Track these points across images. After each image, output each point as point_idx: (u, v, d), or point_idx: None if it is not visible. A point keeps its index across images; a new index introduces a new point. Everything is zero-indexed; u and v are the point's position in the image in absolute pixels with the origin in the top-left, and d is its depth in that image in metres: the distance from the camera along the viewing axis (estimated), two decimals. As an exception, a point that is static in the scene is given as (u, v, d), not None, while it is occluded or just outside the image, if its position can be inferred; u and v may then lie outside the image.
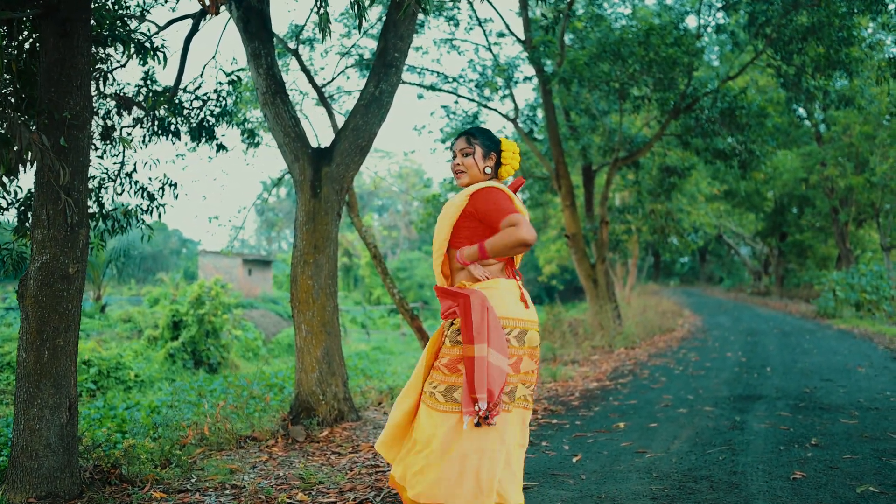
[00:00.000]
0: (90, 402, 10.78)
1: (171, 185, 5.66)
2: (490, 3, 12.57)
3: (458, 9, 11.89)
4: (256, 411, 5.99)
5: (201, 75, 6.33)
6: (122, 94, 5.42)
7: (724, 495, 3.56)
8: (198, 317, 16.12)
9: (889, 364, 8.51)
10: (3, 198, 4.65)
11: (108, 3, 4.99)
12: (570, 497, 3.63)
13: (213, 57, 6.82)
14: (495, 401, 2.47)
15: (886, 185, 17.48)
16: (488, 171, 2.80)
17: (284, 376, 10.05)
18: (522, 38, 11.99)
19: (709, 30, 11.96)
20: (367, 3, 4.74)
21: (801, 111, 19.03)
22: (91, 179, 5.17)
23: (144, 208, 5.55)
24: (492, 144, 2.81)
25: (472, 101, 13.13)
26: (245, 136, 8.07)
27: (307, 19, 9.27)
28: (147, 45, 5.17)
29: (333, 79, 10.34)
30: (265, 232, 54.48)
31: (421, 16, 10.24)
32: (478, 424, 2.49)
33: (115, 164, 5.48)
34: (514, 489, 2.64)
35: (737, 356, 9.87)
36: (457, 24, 12.17)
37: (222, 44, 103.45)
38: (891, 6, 9.04)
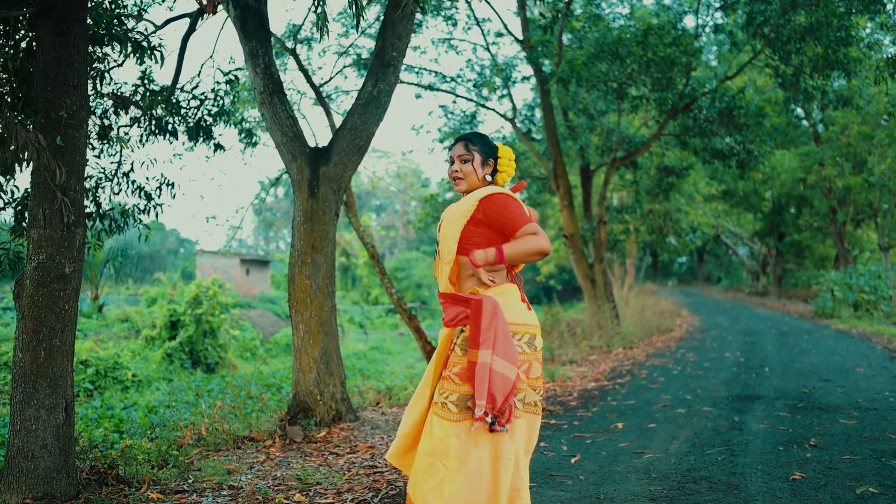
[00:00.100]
0: (88, 401, 10.76)
1: (168, 185, 5.64)
2: (488, 3, 12.58)
3: (457, 8, 11.88)
4: (254, 411, 5.97)
5: (199, 74, 6.32)
6: (119, 94, 5.40)
7: (723, 496, 3.55)
8: (195, 316, 16.10)
9: (887, 364, 8.52)
10: (0, 197, 4.63)
11: (105, 2, 4.97)
12: (568, 498, 3.62)
13: (211, 56, 6.80)
14: (501, 407, 2.43)
15: (884, 185, 17.48)
16: (488, 178, 2.78)
17: (282, 376, 10.04)
18: (520, 37, 11.98)
19: (707, 29, 11.96)
20: (364, 3, 4.73)
21: (800, 111, 19.06)
22: (88, 179, 5.15)
23: (142, 208, 5.54)
24: (490, 151, 2.78)
25: (471, 100, 13.13)
26: (243, 135, 8.05)
27: (305, 18, 9.27)
28: (144, 44, 5.15)
29: (331, 78, 10.33)
30: (263, 232, 54.44)
31: (419, 15, 10.23)
32: (492, 430, 2.47)
33: (112, 163, 5.47)
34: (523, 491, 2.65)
35: (735, 356, 9.87)
36: (455, 24, 12.15)
37: (220, 43, 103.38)
38: (889, 6, 9.05)
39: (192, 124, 6.05)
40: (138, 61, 5.21)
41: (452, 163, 2.78)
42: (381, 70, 5.84)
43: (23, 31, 4.35)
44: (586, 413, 6.04)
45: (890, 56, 8.51)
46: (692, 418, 5.63)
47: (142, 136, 5.73)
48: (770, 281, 29.02)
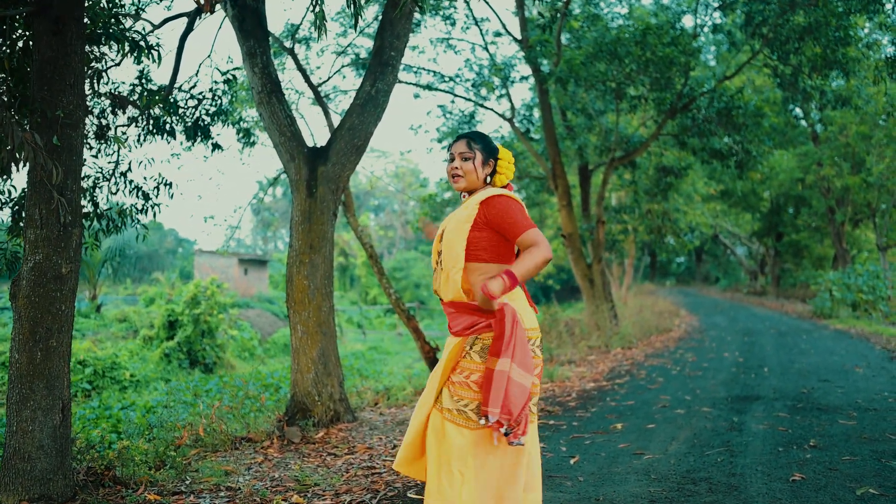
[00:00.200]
0: (86, 402, 10.74)
1: (166, 185, 5.62)
2: (486, 3, 12.56)
3: (455, 8, 11.86)
4: (252, 412, 5.96)
5: (196, 74, 6.29)
6: (116, 93, 5.38)
7: (723, 497, 3.54)
8: (193, 316, 16.08)
9: (886, 364, 8.51)
10: (-3, 197, 4.62)
11: (102, 0, 4.95)
12: (567, 499, 3.61)
13: (209, 56, 6.79)
14: (517, 417, 2.41)
15: (883, 185, 17.50)
16: (488, 179, 2.76)
17: (280, 376, 10.03)
18: (519, 37, 11.97)
19: (705, 29, 11.95)
20: (363, 2, 4.71)
21: (798, 111, 19.04)
22: (85, 179, 5.13)
23: (139, 208, 5.51)
24: (491, 151, 2.74)
25: (469, 100, 13.11)
26: (241, 135, 8.03)
27: (303, 18, 9.25)
28: (142, 43, 5.13)
29: (329, 78, 10.32)
30: (261, 231, 54.40)
31: (417, 15, 10.21)
32: (509, 443, 2.45)
33: (109, 163, 5.45)
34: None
35: (734, 356, 9.87)
36: (453, 24, 12.14)
37: (218, 42, 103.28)
38: (887, 6, 9.04)
39: (189, 124, 6.03)
40: (136, 61, 5.19)
41: (452, 160, 2.73)
42: (380, 70, 5.82)
43: (19, 30, 4.33)
44: (585, 414, 6.03)
45: (888, 56, 8.51)
46: (691, 419, 5.62)
47: (139, 135, 5.71)
48: (768, 281, 29.03)
